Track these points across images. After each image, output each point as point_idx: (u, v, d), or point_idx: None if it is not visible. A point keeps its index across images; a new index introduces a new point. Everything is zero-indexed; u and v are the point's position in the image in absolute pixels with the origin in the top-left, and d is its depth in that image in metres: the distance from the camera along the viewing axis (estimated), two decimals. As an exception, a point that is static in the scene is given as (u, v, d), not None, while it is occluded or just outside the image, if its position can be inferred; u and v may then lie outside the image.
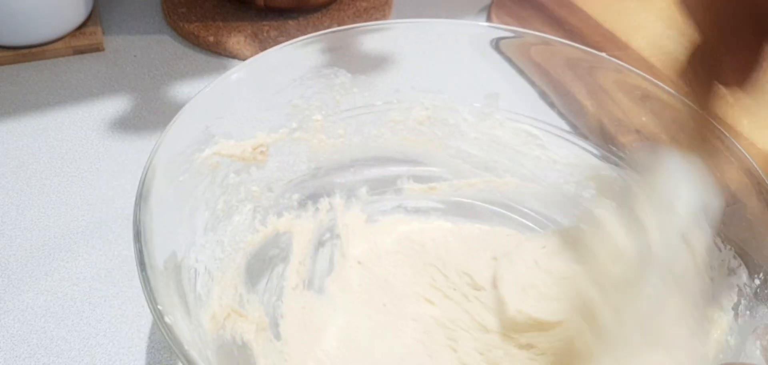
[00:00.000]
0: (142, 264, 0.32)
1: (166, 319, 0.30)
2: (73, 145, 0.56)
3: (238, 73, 0.43)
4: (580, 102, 0.50)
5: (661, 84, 0.45)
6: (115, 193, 0.52)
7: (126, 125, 0.58)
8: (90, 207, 0.51)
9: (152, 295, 0.31)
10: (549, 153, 0.49)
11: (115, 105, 0.60)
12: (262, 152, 0.44)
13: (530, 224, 0.50)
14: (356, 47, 0.48)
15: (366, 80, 0.48)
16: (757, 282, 0.37)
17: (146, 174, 0.36)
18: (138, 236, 0.33)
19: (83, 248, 0.48)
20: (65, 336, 0.43)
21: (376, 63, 0.49)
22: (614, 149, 0.46)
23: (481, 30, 0.50)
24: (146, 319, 0.44)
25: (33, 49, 0.63)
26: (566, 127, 0.49)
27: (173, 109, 0.59)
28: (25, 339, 0.43)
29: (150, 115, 0.59)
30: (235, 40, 0.66)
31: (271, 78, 0.45)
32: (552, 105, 0.51)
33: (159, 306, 0.31)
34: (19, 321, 0.44)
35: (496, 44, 0.49)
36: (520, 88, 0.51)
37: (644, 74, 0.45)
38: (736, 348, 0.36)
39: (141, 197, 0.35)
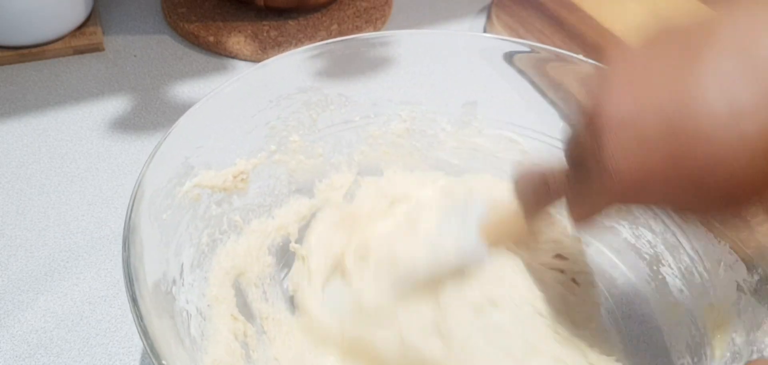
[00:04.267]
0: (139, 315, 0.31)
1: None
2: (73, 145, 0.56)
3: (213, 99, 0.42)
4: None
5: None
6: (115, 193, 0.52)
7: (126, 125, 0.58)
8: (90, 207, 0.51)
9: (155, 350, 0.30)
10: (531, 158, 0.48)
11: (115, 105, 0.60)
12: (242, 180, 0.43)
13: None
14: (331, 64, 0.47)
15: (343, 96, 0.47)
16: (756, 277, 0.37)
17: (131, 214, 0.34)
18: (130, 283, 0.32)
19: (83, 249, 0.48)
20: (65, 336, 0.43)
21: (352, 77, 0.48)
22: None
23: (463, 40, 0.49)
24: (146, 319, 0.44)
25: (33, 49, 0.63)
26: (549, 131, 0.48)
27: (173, 109, 0.60)
28: (25, 339, 0.43)
29: (150, 115, 0.59)
30: (235, 40, 0.66)
31: (247, 102, 0.44)
32: (552, 104, 0.50)
33: (164, 362, 0.29)
34: (19, 321, 0.44)
35: (479, 53, 0.48)
36: (500, 95, 0.50)
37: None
38: (743, 345, 0.36)
39: (128, 240, 0.33)
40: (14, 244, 0.48)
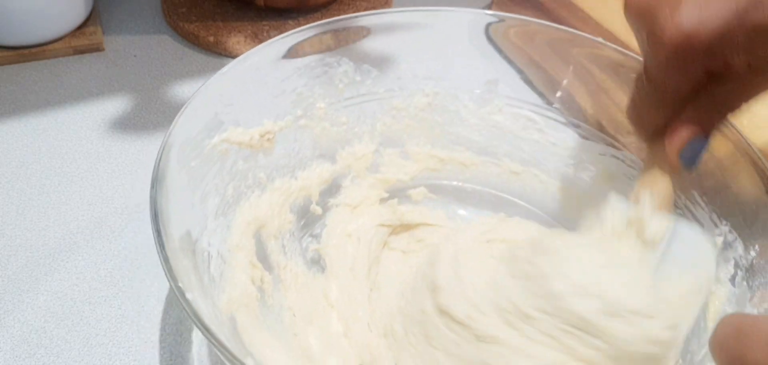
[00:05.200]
0: (161, 245, 0.33)
1: (188, 295, 0.32)
2: (73, 145, 0.56)
3: (246, 61, 0.44)
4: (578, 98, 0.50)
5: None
6: (115, 193, 0.52)
7: (126, 125, 0.58)
8: (90, 207, 0.51)
9: (173, 273, 0.32)
10: (547, 137, 0.50)
11: (115, 105, 0.60)
12: (268, 140, 0.45)
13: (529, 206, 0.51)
14: (358, 36, 0.49)
15: (368, 69, 0.49)
16: (753, 254, 0.38)
17: (161, 158, 0.37)
18: (155, 217, 0.34)
19: (83, 248, 0.48)
20: (65, 336, 0.43)
21: (378, 51, 0.49)
22: (615, 138, 0.47)
23: (479, 16, 0.50)
24: (146, 319, 0.44)
25: (33, 49, 0.63)
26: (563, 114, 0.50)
27: (173, 109, 0.60)
28: (25, 339, 0.43)
29: (150, 115, 0.59)
30: (235, 40, 0.66)
31: (277, 67, 0.46)
32: (550, 98, 0.51)
33: (180, 284, 0.32)
34: (19, 321, 0.44)
35: (496, 32, 0.50)
36: (519, 75, 0.51)
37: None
38: None
39: (156, 181, 0.36)
40: (14, 244, 0.48)
